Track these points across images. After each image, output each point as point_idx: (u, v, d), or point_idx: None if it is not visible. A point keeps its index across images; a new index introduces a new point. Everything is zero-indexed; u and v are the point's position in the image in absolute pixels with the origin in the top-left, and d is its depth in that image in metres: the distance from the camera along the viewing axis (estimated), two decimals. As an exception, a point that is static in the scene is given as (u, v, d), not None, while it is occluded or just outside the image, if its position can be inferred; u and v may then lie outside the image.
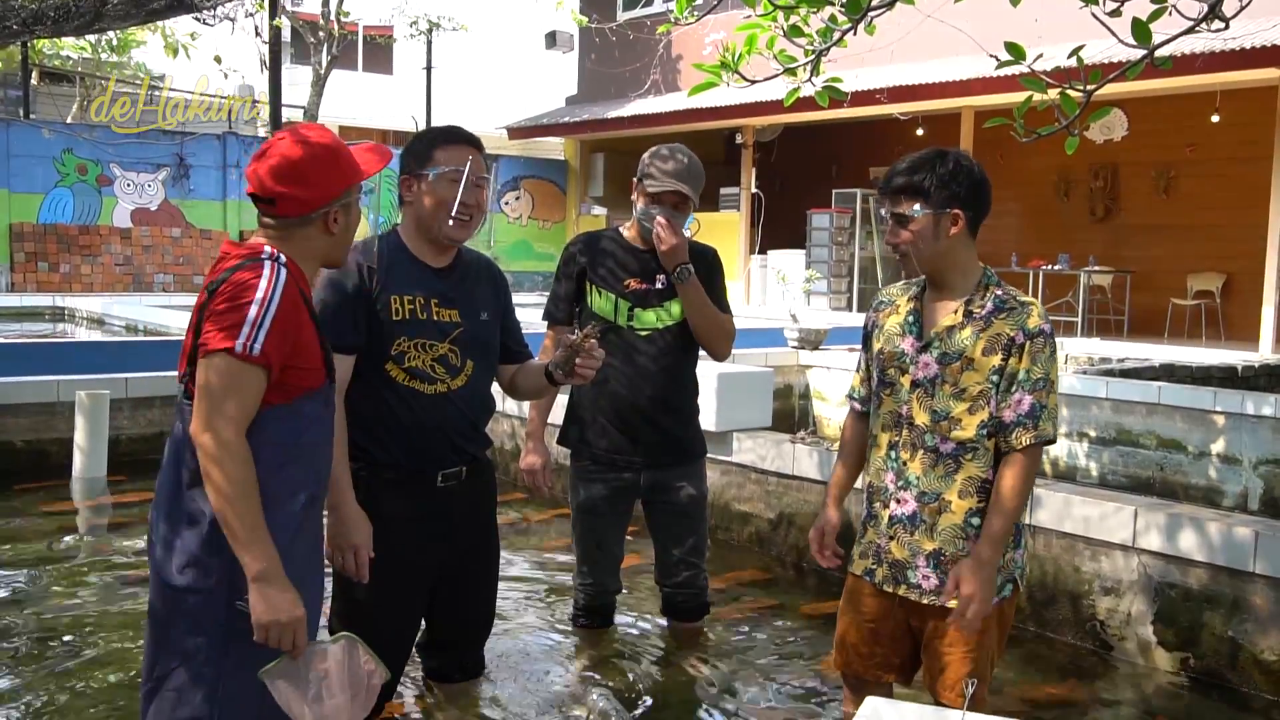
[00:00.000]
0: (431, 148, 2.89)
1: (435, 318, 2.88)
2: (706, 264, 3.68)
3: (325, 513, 2.75)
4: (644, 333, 3.58)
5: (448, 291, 2.92)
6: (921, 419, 2.64)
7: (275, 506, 2.23)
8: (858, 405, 2.91)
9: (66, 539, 5.35)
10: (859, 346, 2.95)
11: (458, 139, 2.91)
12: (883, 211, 2.74)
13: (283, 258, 2.26)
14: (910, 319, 2.71)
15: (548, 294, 3.83)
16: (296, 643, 2.18)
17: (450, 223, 2.85)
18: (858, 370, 2.92)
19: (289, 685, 2.21)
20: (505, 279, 3.19)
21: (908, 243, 2.65)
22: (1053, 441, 2.62)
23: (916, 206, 2.62)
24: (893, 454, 2.70)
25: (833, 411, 8.96)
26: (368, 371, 2.82)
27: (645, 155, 3.59)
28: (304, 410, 2.26)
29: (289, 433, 2.24)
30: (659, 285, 3.57)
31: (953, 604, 2.58)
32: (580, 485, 3.69)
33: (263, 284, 2.16)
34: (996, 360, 2.58)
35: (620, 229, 3.67)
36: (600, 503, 3.66)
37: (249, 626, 2.18)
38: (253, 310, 2.13)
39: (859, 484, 2.89)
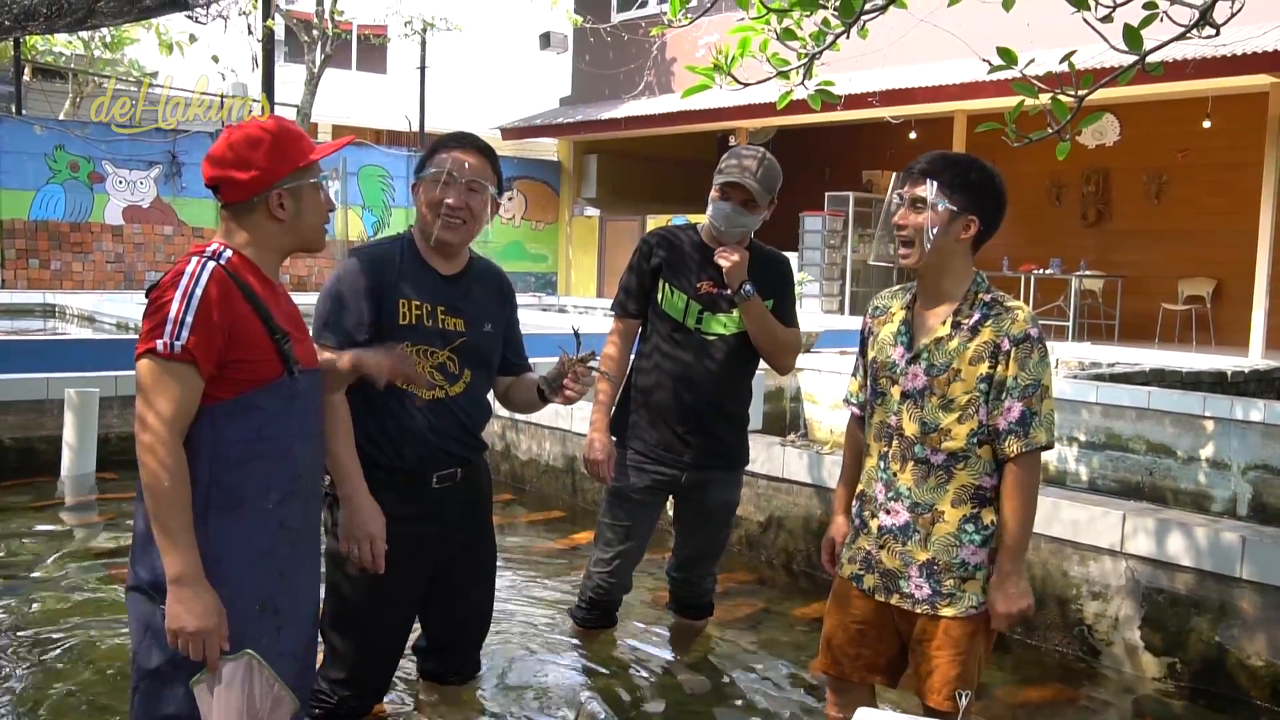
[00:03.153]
0: (432, 153, 2.90)
1: (440, 325, 2.87)
2: (778, 274, 3.67)
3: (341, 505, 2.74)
4: (710, 337, 3.56)
5: (456, 300, 2.91)
6: (911, 430, 2.63)
7: (243, 505, 2.22)
8: (856, 410, 2.90)
9: (54, 536, 5.33)
10: (854, 350, 2.94)
11: (454, 143, 2.90)
12: (897, 196, 2.67)
13: (227, 253, 2.24)
14: (902, 329, 2.69)
15: (540, 294, 3.82)
16: (207, 653, 2.14)
17: (436, 225, 2.84)
18: (855, 375, 2.90)
19: (208, 697, 2.18)
20: (513, 290, 3.18)
21: (917, 229, 2.59)
22: (1048, 447, 2.58)
23: (939, 197, 2.57)
24: (883, 464, 2.69)
25: (824, 414, 8.97)
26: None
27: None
28: (260, 404, 2.23)
29: (245, 428, 2.21)
30: (730, 291, 3.56)
31: (948, 612, 2.59)
32: (623, 473, 3.68)
33: (184, 281, 2.15)
34: (983, 368, 2.56)
35: (698, 227, 3.66)
36: (640, 492, 3.66)
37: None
38: (173, 308, 2.13)
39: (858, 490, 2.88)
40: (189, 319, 2.12)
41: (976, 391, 2.56)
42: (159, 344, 2.11)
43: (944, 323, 2.62)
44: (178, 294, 2.14)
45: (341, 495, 2.68)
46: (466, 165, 2.85)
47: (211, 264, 2.19)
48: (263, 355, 2.23)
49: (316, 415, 2.43)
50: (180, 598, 2.11)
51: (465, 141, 2.91)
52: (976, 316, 2.59)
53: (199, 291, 2.14)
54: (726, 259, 3.45)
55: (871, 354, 2.76)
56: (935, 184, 2.58)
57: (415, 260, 2.89)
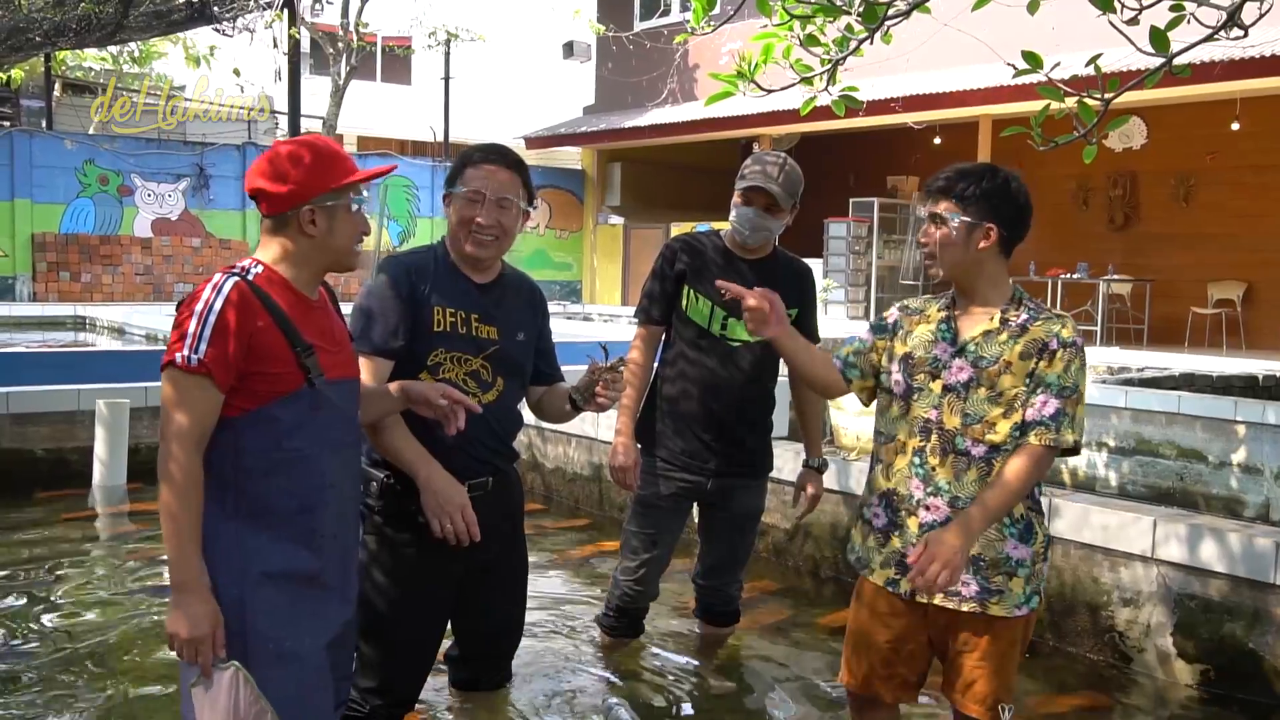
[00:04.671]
0: (463, 166, 2.90)
1: (474, 333, 2.88)
2: (804, 285, 3.67)
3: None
4: (734, 344, 3.56)
5: (489, 308, 2.92)
6: (952, 423, 2.62)
7: (271, 514, 2.27)
8: (838, 364, 2.83)
9: (86, 547, 5.39)
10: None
11: (486, 158, 2.90)
12: (921, 211, 2.72)
13: (257, 269, 2.30)
14: (943, 326, 2.70)
15: (565, 302, 3.82)
16: (200, 659, 2.18)
17: (467, 243, 2.86)
18: (852, 343, 2.84)
19: (201, 703, 2.21)
20: (545, 300, 3.19)
21: (936, 245, 2.64)
22: (1075, 451, 2.59)
23: (953, 211, 2.61)
24: (919, 459, 2.66)
25: (849, 421, 8.93)
26: (402, 379, 2.82)
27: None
28: (280, 416, 2.26)
29: (266, 438, 2.26)
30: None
31: (997, 610, 2.57)
32: (649, 480, 3.69)
33: (205, 295, 2.22)
34: (1032, 364, 2.58)
35: (721, 234, 3.66)
36: (666, 499, 3.67)
37: (235, 634, 2.22)
38: (192, 322, 2.19)
39: (871, 488, 2.82)
40: (206, 333, 2.18)
41: (1023, 386, 2.57)
42: (178, 357, 2.18)
43: (991, 319, 2.64)
44: (197, 309, 2.20)
45: (419, 481, 2.72)
46: (496, 182, 2.86)
47: (233, 279, 2.25)
48: (284, 367, 2.27)
49: (350, 425, 2.45)
50: (179, 604, 2.17)
51: (495, 156, 2.91)
52: (1025, 316, 2.62)
53: (217, 306, 2.20)
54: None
55: (903, 350, 2.73)
56: (949, 199, 2.63)
57: (449, 268, 2.91)
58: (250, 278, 2.27)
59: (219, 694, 2.20)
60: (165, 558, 2.32)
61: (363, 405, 2.57)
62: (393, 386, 2.70)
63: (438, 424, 2.84)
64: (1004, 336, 2.61)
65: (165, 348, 2.24)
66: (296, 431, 2.28)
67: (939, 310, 2.73)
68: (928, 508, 2.64)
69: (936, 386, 2.65)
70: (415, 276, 2.85)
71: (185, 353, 2.17)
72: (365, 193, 2.44)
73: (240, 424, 2.24)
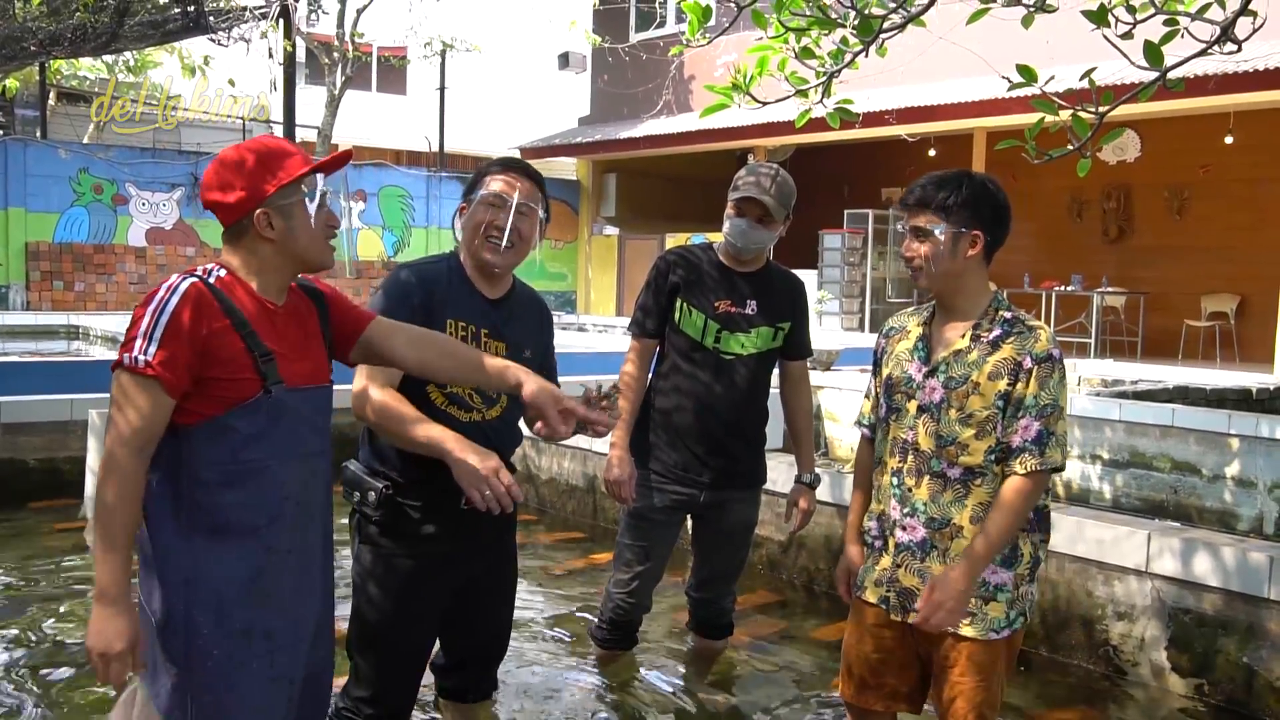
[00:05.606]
0: (481, 176, 2.92)
1: (483, 349, 2.87)
2: (796, 298, 3.69)
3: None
4: (728, 357, 3.56)
5: (499, 324, 2.92)
6: (927, 444, 2.62)
7: (225, 528, 2.18)
8: (867, 432, 2.88)
9: (78, 558, 5.36)
10: (870, 368, 2.93)
11: (505, 168, 2.93)
12: (900, 226, 2.72)
13: (219, 272, 2.21)
14: (919, 344, 2.69)
15: (559, 312, 3.81)
16: (110, 675, 2.11)
17: (484, 249, 2.85)
18: (867, 396, 2.90)
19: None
20: (551, 318, 3.18)
21: (923, 258, 2.62)
22: (1060, 469, 2.57)
23: (936, 222, 2.59)
24: (897, 480, 2.67)
25: (844, 432, 8.93)
26: (409, 391, 2.80)
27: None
28: (235, 426, 2.17)
29: (222, 450, 2.16)
30: (749, 310, 3.56)
31: (969, 631, 2.57)
32: (642, 493, 3.67)
33: (157, 296, 2.13)
34: (1002, 385, 2.55)
35: (715, 247, 3.66)
36: (658, 512, 3.66)
37: (168, 649, 2.17)
38: (143, 323, 2.11)
39: (870, 509, 2.84)
40: (157, 334, 2.09)
41: (994, 408, 2.55)
42: (126, 358, 2.10)
43: (963, 336, 2.62)
44: (150, 309, 2.12)
45: (448, 460, 2.58)
46: (516, 189, 2.88)
47: (190, 280, 2.16)
48: (241, 373, 2.17)
49: (316, 434, 2.34)
50: (98, 615, 2.10)
51: (513, 166, 2.95)
52: (997, 332, 2.59)
53: (169, 307, 2.11)
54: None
55: (886, 370, 2.75)
56: (931, 210, 2.61)
57: (462, 282, 2.91)
58: (212, 280, 2.19)
59: (116, 711, 2.15)
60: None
61: (433, 364, 2.51)
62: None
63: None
64: (973, 355, 2.58)
65: None
66: (254, 442, 2.19)
67: (918, 325, 2.73)
68: (904, 528, 2.64)
69: (912, 407, 2.65)
70: (429, 287, 2.85)
71: (134, 354, 2.09)
72: (338, 193, 2.36)
73: (196, 433, 2.15)
